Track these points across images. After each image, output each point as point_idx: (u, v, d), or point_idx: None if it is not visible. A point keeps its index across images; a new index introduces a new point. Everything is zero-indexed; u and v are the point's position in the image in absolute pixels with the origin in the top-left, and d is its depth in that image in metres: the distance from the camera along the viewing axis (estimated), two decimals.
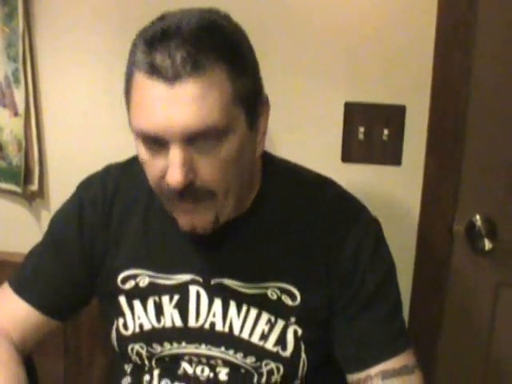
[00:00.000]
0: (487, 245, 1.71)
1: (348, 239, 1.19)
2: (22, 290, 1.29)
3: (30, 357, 1.33)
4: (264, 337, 1.19)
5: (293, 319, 1.19)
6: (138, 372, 1.29)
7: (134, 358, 1.27)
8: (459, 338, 1.80)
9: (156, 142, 1.02)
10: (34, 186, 1.87)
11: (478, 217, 1.71)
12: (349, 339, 1.19)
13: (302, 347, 1.20)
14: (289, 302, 1.19)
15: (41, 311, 1.28)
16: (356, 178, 1.59)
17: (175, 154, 1.00)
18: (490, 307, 1.77)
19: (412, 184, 1.68)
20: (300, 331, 1.19)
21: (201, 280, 1.21)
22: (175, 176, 1.00)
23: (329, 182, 1.27)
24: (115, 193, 1.27)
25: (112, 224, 1.26)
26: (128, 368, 1.32)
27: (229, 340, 1.20)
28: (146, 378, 1.28)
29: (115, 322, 1.27)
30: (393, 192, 1.69)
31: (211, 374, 1.23)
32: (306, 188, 1.24)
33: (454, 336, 1.79)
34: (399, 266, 1.24)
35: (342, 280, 1.18)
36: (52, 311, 1.29)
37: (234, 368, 1.22)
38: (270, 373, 1.20)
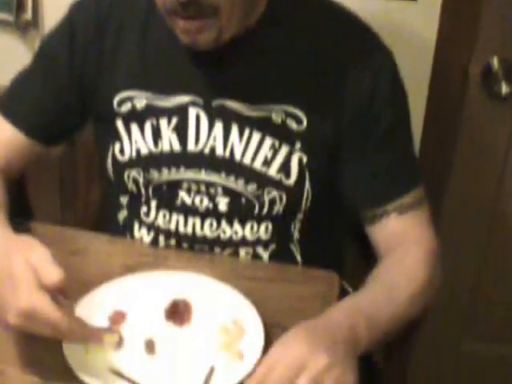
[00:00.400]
0: (504, 89, 1.62)
1: (364, 72, 1.14)
2: (6, 111, 1.27)
3: (24, 191, 1.36)
4: (267, 162, 1.15)
5: (298, 145, 1.15)
6: (135, 204, 1.27)
7: (131, 186, 1.24)
8: (469, 181, 1.77)
9: None
10: (28, 15, 1.79)
11: (495, 59, 1.61)
12: (364, 176, 1.17)
13: (307, 176, 1.17)
14: (294, 126, 1.14)
15: (25, 132, 1.26)
16: (369, 10, 1.49)
17: None
18: (503, 153, 1.73)
19: (428, 20, 1.58)
20: (305, 159, 1.16)
21: (201, 101, 1.16)
22: None
23: (343, 10, 1.20)
24: (110, 10, 1.21)
25: (106, 45, 1.21)
26: (124, 200, 1.30)
27: (229, 165, 1.17)
28: (143, 209, 1.26)
29: (111, 148, 1.24)
30: (408, 27, 1.59)
31: (210, 204, 1.20)
32: (319, 14, 1.18)
33: (463, 178, 1.76)
34: (411, 103, 1.21)
35: (357, 114, 1.15)
36: (36, 133, 1.27)
37: (234, 197, 1.19)
38: (272, 202, 1.18)
